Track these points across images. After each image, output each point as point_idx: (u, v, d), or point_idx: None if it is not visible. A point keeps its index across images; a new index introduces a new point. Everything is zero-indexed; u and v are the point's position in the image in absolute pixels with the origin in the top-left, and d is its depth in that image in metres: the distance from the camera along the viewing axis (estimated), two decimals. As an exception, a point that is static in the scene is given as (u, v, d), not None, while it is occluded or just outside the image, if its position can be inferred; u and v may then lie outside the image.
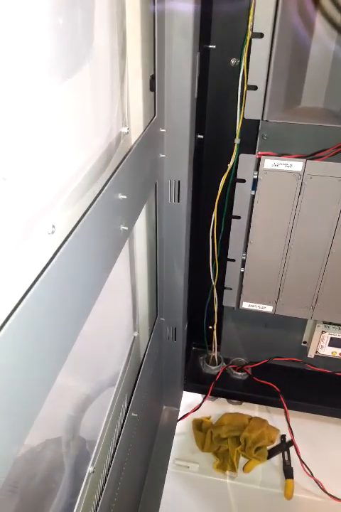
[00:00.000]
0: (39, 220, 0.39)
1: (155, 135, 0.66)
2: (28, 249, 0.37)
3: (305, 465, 1.10)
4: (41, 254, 0.38)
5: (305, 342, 1.10)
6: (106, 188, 0.48)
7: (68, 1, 0.42)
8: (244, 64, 0.70)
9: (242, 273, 0.93)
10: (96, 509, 0.67)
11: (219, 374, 1.16)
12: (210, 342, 1.14)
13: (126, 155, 0.56)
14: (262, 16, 0.65)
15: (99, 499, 0.68)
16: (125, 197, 0.54)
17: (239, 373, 1.17)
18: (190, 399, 1.20)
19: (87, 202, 0.46)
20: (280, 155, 0.77)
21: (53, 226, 0.40)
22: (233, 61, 0.73)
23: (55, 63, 0.41)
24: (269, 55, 0.67)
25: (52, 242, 0.39)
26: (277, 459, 1.14)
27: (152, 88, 0.64)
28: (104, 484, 0.70)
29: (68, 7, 0.42)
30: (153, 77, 0.63)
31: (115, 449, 0.74)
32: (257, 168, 0.79)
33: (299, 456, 1.10)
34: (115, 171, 0.52)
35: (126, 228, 0.56)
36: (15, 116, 0.35)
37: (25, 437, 0.35)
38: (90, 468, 0.67)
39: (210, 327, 1.10)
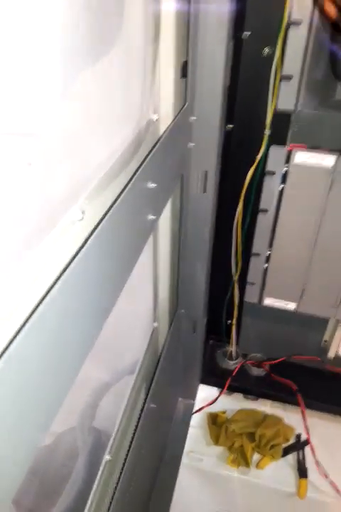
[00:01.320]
0: (68, 207, 0.39)
1: (185, 123, 0.65)
2: (58, 236, 0.36)
3: (320, 465, 1.08)
4: (71, 241, 0.37)
5: (326, 341, 1.08)
6: (136, 175, 0.47)
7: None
8: (278, 53, 0.68)
9: (266, 268, 0.92)
10: (112, 496, 0.67)
11: (237, 369, 1.15)
12: (229, 336, 1.12)
13: (157, 142, 0.55)
14: (300, 2, 0.63)
15: (115, 487, 0.68)
16: (155, 185, 0.53)
17: (257, 369, 1.15)
18: (205, 392, 1.19)
19: (116, 189, 0.45)
20: (312, 148, 0.75)
21: (83, 212, 0.39)
22: (266, 50, 0.71)
23: (87, 44, 0.40)
24: (306, 43, 0.65)
25: (82, 229, 0.39)
26: (292, 458, 1.13)
27: (184, 75, 0.62)
28: (120, 473, 0.70)
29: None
30: (185, 64, 0.62)
31: (132, 438, 0.74)
32: (287, 161, 0.77)
33: (314, 456, 1.09)
34: (145, 158, 0.51)
35: (153, 217, 0.55)
36: (43, 97, 0.34)
37: (49, 426, 0.35)
38: (107, 457, 0.67)
39: (229, 322, 1.08)
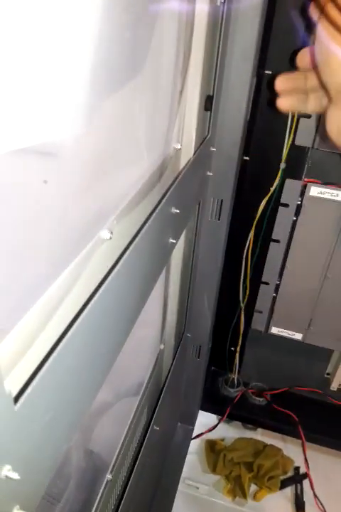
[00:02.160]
0: (96, 228, 0.40)
1: (205, 154, 0.67)
2: (86, 256, 0.37)
3: (319, 500, 1.07)
4: (99, 262, 0.38)
5: (328, 374, 1.08)
6: (163, 201, 0.49)
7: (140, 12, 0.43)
8: (297, 92, 0.71)
9: (274, 297, 0.93)
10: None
11: (238, 397, 1.14)
12: (231, 364, 1.13)
13: (182, 170, 0.57)
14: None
15: (115, 508, 0.67)
16: (178, 211, 0.54)
17: (258, 398, 1.15)
18: (205, 419, 1.19)
19: (141, 213, 0.47)
20: (326, 183, 0.77)
21: (111, 233, 0.40)
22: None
23: (119, 70, 0.42)
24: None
25: (110, 250, 0.40)
26: (289, 491, 1.12)
27: (207, 108, 0.65)
28: (123, 493, 0.69)
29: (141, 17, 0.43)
30: (209, 97, 0.64)
31: (134, 459, 0.73)
32: (301, 194, 0.79)
33: (313, 490, 1.08)
34: (171, 184, 0.53)
35: (174, 241, 0.56)
36: (69, 118, 0.34)
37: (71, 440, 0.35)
38: (108, 477, 0.66)
39: (233, 349, 1.09)
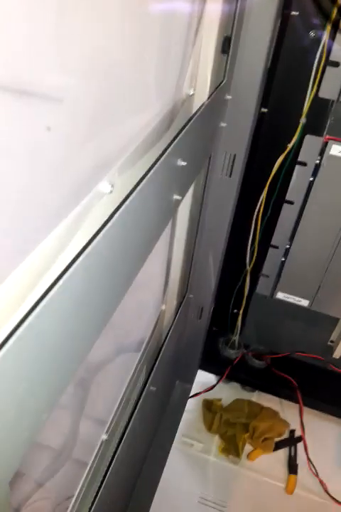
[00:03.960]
0: (98, 178, 0.36)
1: (220, 101, 0.61)
2: (86, 208, 0.33)
3: (312, 463, 1.08)
4: (99, 213, 0.35)
5: (332, 341, 1.06)
6: (168, 151, 0.44)
7: None
8: (326, 37, 0.63)
9: (283, 262, 0.88)
10: (105, 474, 0.66)
11: (238, 358, 1.13)
12: (233, 326, 1.10)
13: (191, 119, 0.51)
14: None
15: (108, 465, 0.67)
16: (184, 164, 0.49)
17: (258, 361, 1.14)
18: (203, 378, 1.18)
19: (148, 163, 0.42)
20: (348, 143, 0.71)
21: (112, 185, 0.36)
22: (312, 33, 0.66)
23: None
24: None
25: (111, 202, 0.36)
26: (283, 453, 1.12)
27: (224, 50, 0.58)
28: (114, 452, 0.69)
29: None
30: (227, 39, 0.57)
31: (130, 419, 0.72)
32: (321, 153, 0.73)
33: (307, 454, 1.09)
34: (178, 134, 0.48)
35: (178, 198, 0.52)
36: (71, 60, 0.31)
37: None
38: (104, 436, 0.65)
39: (235, 311, 1.06)
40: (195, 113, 0.53)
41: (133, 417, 0.72)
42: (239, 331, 1.11)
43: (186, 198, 0.73)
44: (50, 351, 0.29)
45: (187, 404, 1.15)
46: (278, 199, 0.81)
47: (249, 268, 0.92)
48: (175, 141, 0.46)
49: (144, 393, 0.75)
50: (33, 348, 0.26)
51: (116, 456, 0.68)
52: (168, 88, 0.51)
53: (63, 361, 0.32)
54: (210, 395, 1.18)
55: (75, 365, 0.35)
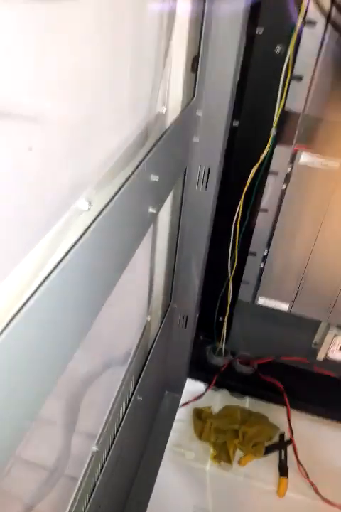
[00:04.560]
0: (75, 196, 0.38)
1: (191, 118, 0.64)
2: (64, 224, 0.35)
3: (302, 466, 1.09)
4: (78, 230, 0.37)
5: (316, 343, 1.09)
6: (140, 167, 0.46)
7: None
8: (290, 52, 0.67)
9: (262, 268, 0.91)
10: (94, 485, 0.67)
11: (225, 366, 1.15)
12: (219, 333, 1.12)
13: (163, 135, 0.54)
14: (317, 1, 0.62)
15: (98, 477, 0.68)
16: (157, 178, 0.51)
17: (245, 367, 1.16)
18: (192, 387, 1.19)
19: (122, 180, 0.45)
20: (317, 152, 0.74)
21: (90, 203, 0.38)
22: (278, 48, 0.70)
23: (99, 32, 0.39)
24: (320, 45, 0.64)
25: (89, 219, 0.38)
26: (274, 457, 1.14)
27: (194, 69, 0.61)
28: (104, 462, 0.70)
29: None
30: (195, 58, 0.60)
31: (118, 429, 0.73)
32: (292, 162, 0.76)
33: (296, 456, 1.10)
34: (150, 150, 0.50)
35: (154, 212, 0.54)
36: (48, 82, 0.33)
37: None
38: (94, 448, 0.66)
39: (220, 319, 1.08)
40: (167, 130, 0.55)
41: (122, 428, 0.74)
42: (225, 339, 1.13)
43: (165, 211, 0.76)
44: (28, 359, 0.30)
45: (178, 414, 1.16)
46: (253, 208, 0.84)
47: (230, 276, 0.95)
48: (148, 157, 0.48)
49: (132, 404, 0.77)
50: (11, 358, 0.27)
51: (106, 467, 0.69)
52: (141, 107, 0.54)
53: (42, 371, 0.33)
54: (200, 404, 1.19)
55: (56, 376, 0.37)
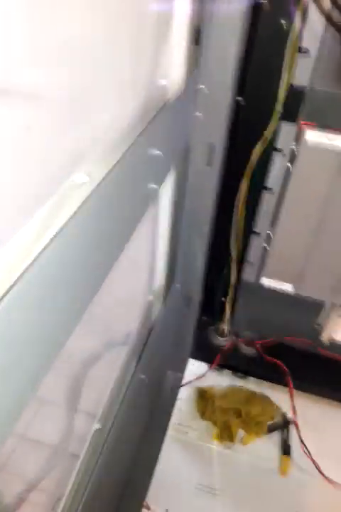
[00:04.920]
0: (74, 169, 0.37)
1: (193, 91, 0.62)
2: (63, 197, 0.35)
3: (304, 445, 1.10)
4: (76, 203, 0.36)
5: (318, 324, 1.08)
6: (138, 140, 0.45)
7: None
8: (297, 24, 0.64)
9: (266, 248, 0.90)
10: (99, 464, 0.67)
11: (228, 346, 1.15)
12: (222, 314, 1.12)
13: (163, 108, 0.52)
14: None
15: (100, 454, 0.68)
16: (157, 152, 0.50)
17: (248, 348, 1.16)
18: (195, 367, 1.20)
19: (121, 154, 0.44)
20: (323, 128, 0.72)
21: (89, 175, 0.37)
22: (285, 22, 0.67)
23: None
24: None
25: (86, 191, 0.37)
26: (276, 436, 1.14)
27: (196, 41, 0.59)
28: (106, 440, 0.70)
29: None
30: (198, 30, 0.58)
31: (120, 407, 0.73)
32: (297, 140, 0.74)
33: (299, 436, 1.11)
34: (150, 123, 0.49)
35: (155, 186, 0.53)
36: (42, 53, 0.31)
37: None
38: (96, 425, 0.67)
39: (223, 299, 1.08)
40: (167, 103, 0.54)
41: (124, 406, 0.74)
42: (228, 319, 1.13)
43: (168, 189, 0.74)
44: (29, 332, 0.30)
45: (180, 394, 1.17)
46: (258, 186, 0.83)
47: (234, 255, 0.94)
48: (146, 129, 0.47)
49: (134, 382, 0.77)
50: (9, 328, 0.27)
51: (108, 443, 0.69)
52: (141, 80, 0.52)
53: (41, 346, 0.33)
54: (203, 384, 1.20)
55: (55, 351, 0.36)
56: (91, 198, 0.36)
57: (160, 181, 0.56)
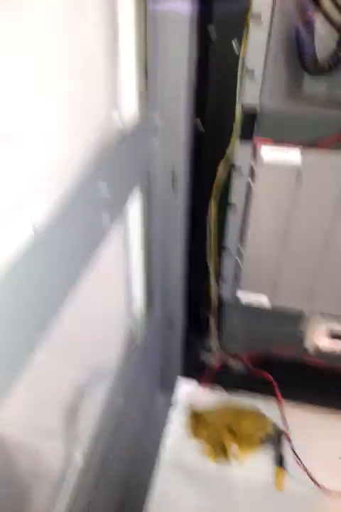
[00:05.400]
0: (19, 214, 0.38)
1: (147, 121, 0.64)
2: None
3: (297, 456, 1.09)
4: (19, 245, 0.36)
5: (301, 331, 1.08)
6: (87, 175, 0.46)
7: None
8: (243, 47, 0.67)
9: (237, 263, 0.91)
10: (81, 495, 0.67)
11: (218, 363, 1.15)
12: (209, 330, 1.13)
13: (114, 141, 0.54)
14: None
15: (85, 486, 0.68)
16: (106, 186, 0.51)
17: (236, 362, 1.16)
18: (185, 386, 1.20)
19: (70, 190, 0.45)
20: (277, 143, 0.74)
21: (33, 224, 0.38)
22: (234, 44, 0.70)
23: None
24: (268, 36, 0.64)
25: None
26: (269, 449, 1.14)
27: (145, 72, 0.61)
28: (91, 470, 0.69)
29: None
30: (145, 61, 0.61)
31: (104, 435, 0.73)
32: (254, 156, 0.76)
33: (291, 447, 1.10)
34: (100, 157, 0.50)
35: (108, 219, 0.54)
36: None
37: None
38: (79, 455, 0.67)
39: (207, 315, 1.09)
40: (118, 135, 0.55)
41: (108, 432, 0.74)
42: (215, 335, 1.13)
43: (135, 216, 0.75)
44: None
45: (171, 414, 1.16)
46: (224, 204, 0.84)
47: (211, 272, 0.95)
48: (96, 164, 0.49)
49: (119, 406, 0.77)
50: None
51: (95, 473, 0.69)
52: (92, 114, 0.54)
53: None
54: (194, 402, 1.20)
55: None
56: (38, 240, 0.37)
57: (114, 212, 0.57)
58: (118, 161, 0.56)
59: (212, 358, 1.18)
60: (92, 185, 0.48)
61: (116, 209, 0.58)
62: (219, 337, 1.16)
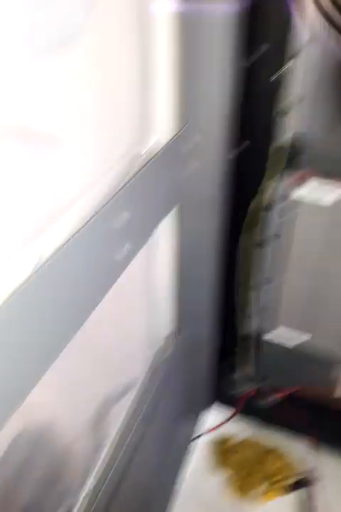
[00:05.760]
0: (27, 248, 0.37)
1: (182, 147, 0.61)
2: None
3: (329, 505, 1.01)
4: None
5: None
6: (113, 203, 0.45)
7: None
8: (289, 74, 0.63)
9: (273, 298, 0.86)
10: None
11: (249, 395, 1.10)
12: (243, 362, 1.08)
13: (140, 170, 0.52)
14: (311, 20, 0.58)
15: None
16: (130, 214, 0.49)
17: (269, 397, 1.10)
18: (211, 417, 1.15)
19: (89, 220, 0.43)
20: (323, 176, 0.69)
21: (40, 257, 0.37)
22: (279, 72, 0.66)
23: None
24: (317, 63, 0.59)
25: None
26: (297, 495, 1.06)
27: (184, 93, 0.58)
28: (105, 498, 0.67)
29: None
30: (185, 82, 0.58)
31: (121, 462, 0.71)
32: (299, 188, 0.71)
33: (324, 495, 1.02)
34: (124, 185, 0.48)
35: (130, 247, 0.51)
36: None
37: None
38: (93, 482, 0.65)
39: (240, 347, 1.04)
40: (144, 165, 0.53)
41: (125, 460, 0.72)
42: (250, 366, 1.08)
43: (164, 243, 0.73)
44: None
45: (195, 445, 1.12)
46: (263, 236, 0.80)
47: (244, 304, 0.91)
48: (119, 193, 0.47)
49: (142, 434, 0.74)
50: None
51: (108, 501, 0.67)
52: (124, 138, 0.53)
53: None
54: (220, 433, 1.15)
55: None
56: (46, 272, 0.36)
57: (139, 242, 0.55)
58: (149, 186, 0.54)
59: (244, 388, 1.12)
60: (116, 212, 0.47)
61: (140, 239, 0.56)
62: (253, 368, 1.11)
